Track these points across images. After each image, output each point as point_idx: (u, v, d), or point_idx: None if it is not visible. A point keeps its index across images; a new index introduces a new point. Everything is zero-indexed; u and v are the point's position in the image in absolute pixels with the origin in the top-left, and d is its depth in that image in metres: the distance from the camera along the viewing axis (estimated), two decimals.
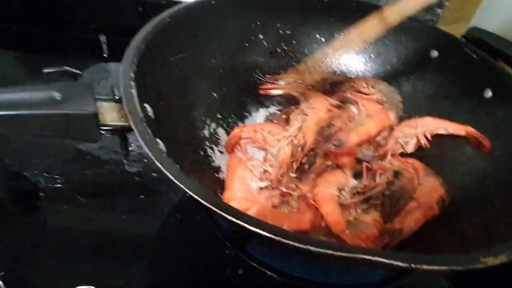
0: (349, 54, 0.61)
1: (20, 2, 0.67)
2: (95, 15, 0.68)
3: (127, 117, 0.33)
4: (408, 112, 0.56)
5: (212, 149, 0.49)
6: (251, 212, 0.39)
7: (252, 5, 0.57)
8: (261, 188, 0.41)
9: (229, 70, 0.56)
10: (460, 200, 0.43)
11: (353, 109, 0.51)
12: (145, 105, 0.38)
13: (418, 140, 0.51)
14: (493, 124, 0.46)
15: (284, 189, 0.43)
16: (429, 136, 0.51)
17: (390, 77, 0.59)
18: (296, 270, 0.43)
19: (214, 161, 0.48)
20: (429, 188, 0.44)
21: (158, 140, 0.35)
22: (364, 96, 0.56)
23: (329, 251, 0.25)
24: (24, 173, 0.50)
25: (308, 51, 0.61)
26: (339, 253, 0.24)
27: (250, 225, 0.27)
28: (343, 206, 0.43)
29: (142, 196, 0.50)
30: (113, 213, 0.48)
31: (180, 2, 0.53)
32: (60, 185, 0.49)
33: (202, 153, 0.47)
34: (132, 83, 0.37)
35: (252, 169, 0.43)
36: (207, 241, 0.47)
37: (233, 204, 0.39)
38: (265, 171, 0.44)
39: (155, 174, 0.53)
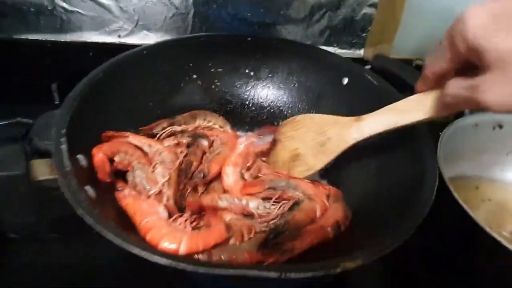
0: (275, 84, 0.68)
1: None
2: (45, 62, 0.72)
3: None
4: None
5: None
6: (185, 243, 0.40)
7: (182, 50, 0.64)
8: (170, 217, 0.45)
9: (167, 110, 0.62)
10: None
11: (204, 142, 0.57)
12: (78, 156, 0.44)
13: None
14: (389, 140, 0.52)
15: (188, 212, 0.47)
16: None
17: (311, 102, 0.66)
18: None
19: None
20: (329, 212, 0.47)
21: (87, 187, 0.41)
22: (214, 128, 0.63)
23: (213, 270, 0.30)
24: None
25: (239, 85, 0.68)
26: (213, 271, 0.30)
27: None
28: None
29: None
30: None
31: (129, 45, 0.58)
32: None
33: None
34: (63, 139, 0.42)
35: (153, 201, 0.47)
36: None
37: (166, 242, 0.40)
38: (159, 192, 0.48)
39: None
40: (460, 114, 0.67)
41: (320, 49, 0.70)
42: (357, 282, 0.53)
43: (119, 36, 0.73)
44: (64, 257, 0.51)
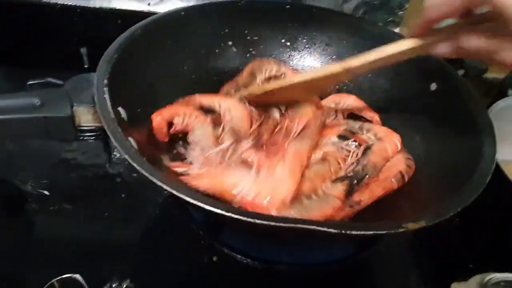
0: (312, 56, 0.66)
1: (1, 19, 0.71)
2: (75, 28, 0.72)
3: (100, 119, 0.37)
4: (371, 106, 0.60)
5: (185, 147, 0.53)
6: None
7: (220, 14, 0.62)
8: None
9: (201, 75, 0.60)
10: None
11: (276, 114, 0.54)
12: (119, 108, 0.43)
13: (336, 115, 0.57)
14: (436, 112, 0.52)
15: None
16: (345, 114, 0.58)
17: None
18: (266, 253, 0.48)
19: (186, 159, 0.51)
20: (392, 163, 0.48)
21: (130, 139, 0.40)
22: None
23: (271, 223, 0.29)
24: (11, 180, 0.54)
25: (276, 55, 0.66)
26: (279, 224, 0.29)
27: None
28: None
29: (123, 195, 0.54)
30: (95, 215, 0.51)
31: (156, 13, 0.57)
32: (46, 191, 0.53)
33: (174, 151, 0.51)
34: (105, 89, 0.41)
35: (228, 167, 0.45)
36: (184, 234, 0.51)
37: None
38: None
39: (135, 175, 0.57)
40: (500, 92, 0.65)
41: (359, 18, 0.68)
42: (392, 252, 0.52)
43: (148, 4, 0.71)
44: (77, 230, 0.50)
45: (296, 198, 0.43)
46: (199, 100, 0.53)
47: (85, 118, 0.38)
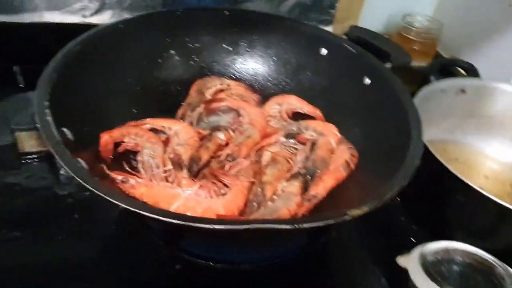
0: (254, 59, 0.68)
1: None
2: (6, 46, 0.68)
3: (45, 142, 0.37)
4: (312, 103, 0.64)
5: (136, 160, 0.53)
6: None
7: (159, 25, 0.62)
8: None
9: (146, 86, 0.60)
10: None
11: (221, 135, 0.55)
12: (64, 129, 0.42)
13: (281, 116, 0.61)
14: (370, 104, 0.56)
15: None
16: (290, 114, 0.62)
17: (290, 75, 0.67)
18: (227, 255, 0.49)
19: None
20: (337, 154, 0.52)
21: (79, 159, 0.39)
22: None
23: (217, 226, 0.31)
24: None
25: (218, 60, 0.68)
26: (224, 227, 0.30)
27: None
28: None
29: (76, 216, 0.53)
30: (49, 239, 0.49)
31: (95, 25, 0.56)
32: None
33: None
34: (47, 111, 0.40)
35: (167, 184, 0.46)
36: (144, 246, 0.51)
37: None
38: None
39: (87, 193, 0.55)
40: (424, 79, 0.72)
41: (297, 20, 0.71)
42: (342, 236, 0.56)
43: (83, 16, 0.69)
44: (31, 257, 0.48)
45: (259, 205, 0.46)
46: (151, 123, 0.54)
47: (29, 143, 0.37)
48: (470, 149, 0.72)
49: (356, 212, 0.34)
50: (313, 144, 0.54)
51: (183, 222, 0.31)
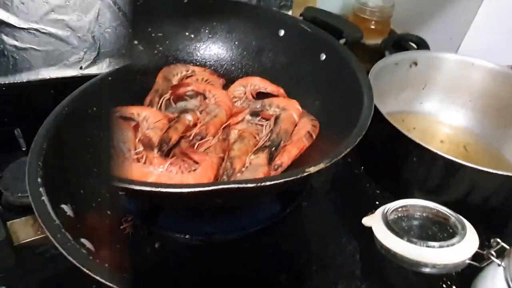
0: (216, 44, 0.71)
1: None
2: (2, 107, 0.64)
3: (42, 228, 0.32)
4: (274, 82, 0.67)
5: None
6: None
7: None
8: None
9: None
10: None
11: (188, 117, 0.57)
12: (62, 206, 0.38)
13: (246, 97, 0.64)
14: (327, 78, 0.60)
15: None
16: (254, 94, 0.65)
17: (252, 57, 0.70)
18: (202, 226, 0.52)
19: None
20: (300, 126, 0.56)
21: (83, 240, 0.35)
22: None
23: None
24: None
25: (181, 48, 0.70)
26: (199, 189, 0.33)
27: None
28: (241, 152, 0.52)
29: None
30: None
31: (94, 76, 0.55)
32: None
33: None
34: (41, 190, 0.37)
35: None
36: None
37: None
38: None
39: None
40: (381, 55, 0.76)
41: (254, 5, 0.74)
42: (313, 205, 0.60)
43: (81, 68, 0.67)
44: None
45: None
46: (120, 111, 0.56)
47: (24, 232, 0.34)
48: (427, 118, 0.78)
49: (312, 168, 0.37)
50: (277, 118, 0.57)
51: (158, 189, 0.33)
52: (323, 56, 0.61)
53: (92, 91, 0.53)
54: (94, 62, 0.67)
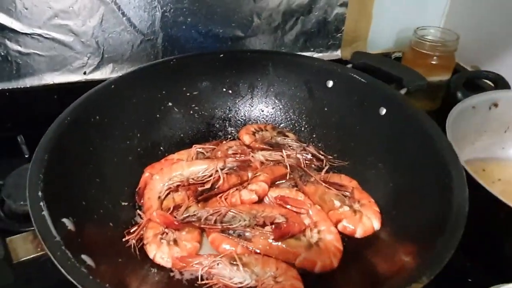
0: (255, 98, 0.64)
1: None
2: (5, 113, 0.64)
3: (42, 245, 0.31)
4: (321, 140, 0.61)
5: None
6: None
7: (153, 78, 0.58)
8: None
9: (148, 146, 0.56)
10: None
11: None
12: (63, 220, 0.37)
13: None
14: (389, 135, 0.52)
15: None
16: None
17: (302, 113, 0.63)
18: None
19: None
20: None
21: (83, 256, 0.34)
22: None
23: None
24: None
25: (219, 105, 0.64)
26: None
27: None
28: None
29: None
30: None
31: (97, 81, 0.53)
32: None
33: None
34: (42, 204, 0.35)
35: None
36: None
37: None
38: None
39: None
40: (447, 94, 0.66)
41: (296, 54, 0.67)
42: None
43: (84, 73, 0.66)
44: None
45: None
46: None
47: (23, 249, 0.32)
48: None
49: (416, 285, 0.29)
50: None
51: None
52: (383, 111, 0.53)
53: (95, 99, 0.51)
54: (97, 67, 0.66)
